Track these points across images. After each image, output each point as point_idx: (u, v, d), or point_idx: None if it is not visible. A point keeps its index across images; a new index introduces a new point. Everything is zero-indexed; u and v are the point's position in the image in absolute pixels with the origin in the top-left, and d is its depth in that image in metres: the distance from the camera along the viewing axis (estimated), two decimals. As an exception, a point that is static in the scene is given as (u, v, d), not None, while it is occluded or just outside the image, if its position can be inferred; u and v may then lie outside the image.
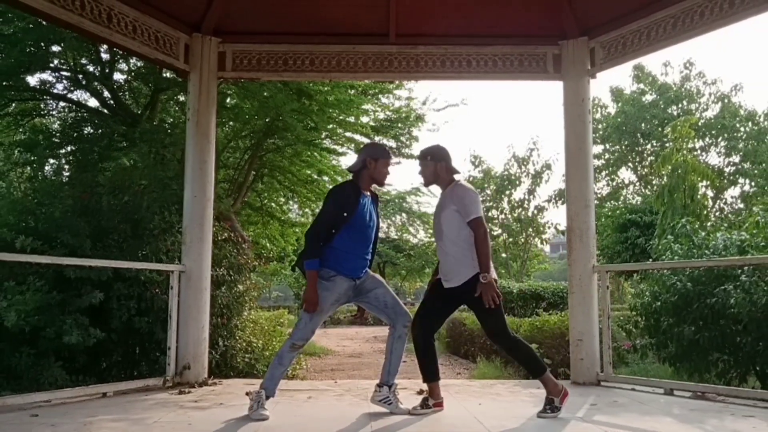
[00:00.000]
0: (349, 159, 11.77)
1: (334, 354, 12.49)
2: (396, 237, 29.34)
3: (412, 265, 30.09)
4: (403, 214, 26.06)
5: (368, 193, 4.47)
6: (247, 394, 4.33)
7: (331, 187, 12.58)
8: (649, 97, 25.64)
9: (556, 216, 25.95)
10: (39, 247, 5.62)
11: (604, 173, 26.25)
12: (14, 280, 5.44)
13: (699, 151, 23.31)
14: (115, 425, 3.94)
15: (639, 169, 26.27)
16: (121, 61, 9.77)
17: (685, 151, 15.49)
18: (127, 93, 10.57)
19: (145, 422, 4.05)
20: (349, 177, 4.57)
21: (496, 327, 4.26)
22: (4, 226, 5.82)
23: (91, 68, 9.78)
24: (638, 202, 23.44)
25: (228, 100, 10.18)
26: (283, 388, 5.61)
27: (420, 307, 4.56)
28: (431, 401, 4.40)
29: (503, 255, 21.65)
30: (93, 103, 10.25)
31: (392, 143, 12.38)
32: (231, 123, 10.96)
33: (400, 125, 12.14)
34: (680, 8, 5.34)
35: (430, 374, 4.45)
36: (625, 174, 26.82)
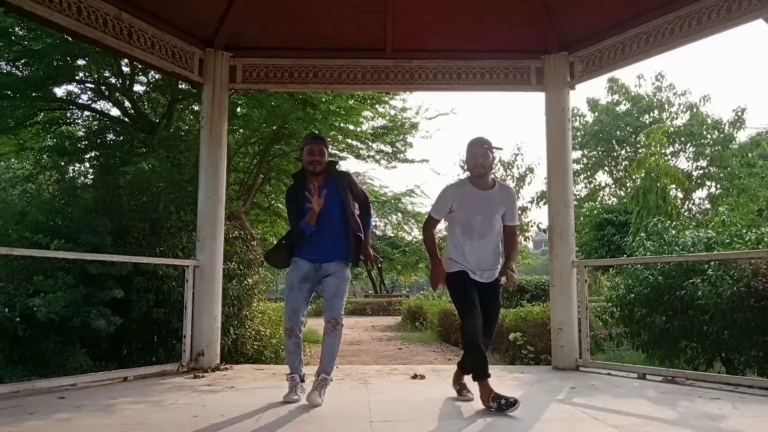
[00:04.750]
0: (348, 163, 11.81)
1: (336, 342, 12.40)
2: (392, 235, 29.38)
3: (407, 261, 30.14)
4: (399, 214, 26.05)
5: (316, 182, 4.18)
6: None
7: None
8: (623, 107, 25.67)
9: (539, 215, 26.03)
10: (64, 246, 5.62)
11: (582, 176, 26.24)
12: (41, 275, 5.45)
13: (669, 156, 23.33)
14: (135, 406, 3.94)
15: (614, 172, 26.28)
16: (140, 73, 9.75)
17: (657, 156, 15.50)
18: (146, 103, 10.56)
19: (162, 404, 4.05)
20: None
21: (498, 318, 4.19)
22: (33, 224, 5.82)
23: (113, 80, 9.77)
24: (614, 203, 23.41)
25: (238, 109, 10.17)
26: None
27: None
28: (465, 392, 4.23)
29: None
30: (115, 112, 10.25)
31: (388, 149, 12.39)
32: (241, 130, 10.95)
33: (395, 132, 12.14)
34: (652, 26, 5.36)
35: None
36: (602, 177, 26.85)
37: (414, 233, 27.18)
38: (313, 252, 4.20)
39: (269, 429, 3.34)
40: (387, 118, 11.83)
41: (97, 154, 9.63)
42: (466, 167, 4.33)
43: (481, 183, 4.13)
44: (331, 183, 4.22)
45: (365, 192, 4.53)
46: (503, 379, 5.15)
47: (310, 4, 6.02)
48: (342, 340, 4.30)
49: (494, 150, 4.15)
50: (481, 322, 3.88)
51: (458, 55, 6.25)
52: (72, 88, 9.81)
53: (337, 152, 11.96)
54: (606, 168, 26.44)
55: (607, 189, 26.87)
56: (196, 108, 10.09)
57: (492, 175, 4.24)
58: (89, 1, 4.93)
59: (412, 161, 13.02)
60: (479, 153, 4.09)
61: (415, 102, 27.30)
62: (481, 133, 4.25)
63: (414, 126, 12.27)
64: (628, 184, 24.30)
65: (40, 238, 5.54)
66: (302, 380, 4.30)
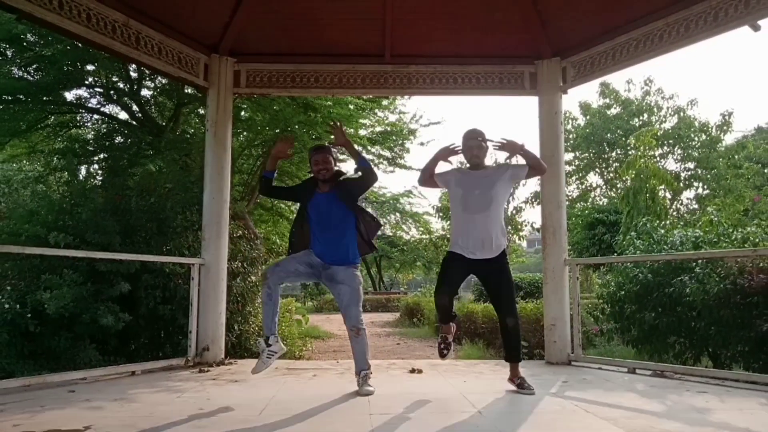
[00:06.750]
0: (348, 166, 11.77)
1: (336, 337, 12.49)
2: (391, 234, 29.38)
3: (405, 259, 30.17)
4: (397, 214, 26.02)
5: (323, 190, 4.39)
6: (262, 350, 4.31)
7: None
8: (613, 111, 25.68)
9: (533, 215, 25.97)
10: (72, 243, 5.62)
11: (574, 178, 26.22)
12: (51, 273, 5.44)
13: (658, 158, 23.30)
14: (143, 399, 3.94)
15: (605, 174, 26.27)
16: (147, 78, 9.74)
17: (646, 158, 15.48)
18: (153, 107, 10.54)
19: (169, 397, 4.05)
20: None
21: (514, 300, 4.31)
22: (42, 223, 5.82)
23: (121, 85, 9.75)
24: (605, 203, 23.42)
25: (242, 113, 10.15)
26: (291, 367, 5.64)
27: (494, 302, 4.37)
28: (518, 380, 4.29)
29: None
30: (123, 116, 10.23)
31: (387, 153, 12.38)
32: (245, 133, 10.92)
33: (394, 138, 12.13)
34: (641, 32, 5.37)
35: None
36: (593, 178, 26.82)
37: (412, 232, 27.19)
38: (319, 248, 4.35)
39: (272, 421, 3.34)
40: (386, 123, 11.82)
41: (106, 156, 9.62)
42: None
43: (478, 168, 4.39)
44: (334, 191, 4.39)
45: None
46: (498, 373, 5.15)
47: (312, 12, 6.02)
48: (344, 335, 4.33)
49: (487, 141, 4.38)
50: (446, 301, 4.30)
51: (455, 61, 6.26)
52: (81, 92, 9.84)
53: (338, 154, 11.94)
54: (597, 169, 26.43)
55: (598, 190, 26.87)
56: (201, 112, 10.09)
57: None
58: (98, 9, 4.93)
59: (411, 168, 13.03)
60: (473, 145, 4.35)
61: (411, 108, 27.39)
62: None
63: (412, 132, 12.26)
64: (618, 185, 24.28)
65: (54, 236, 5.54)
66: (267, 343, 4.24)
